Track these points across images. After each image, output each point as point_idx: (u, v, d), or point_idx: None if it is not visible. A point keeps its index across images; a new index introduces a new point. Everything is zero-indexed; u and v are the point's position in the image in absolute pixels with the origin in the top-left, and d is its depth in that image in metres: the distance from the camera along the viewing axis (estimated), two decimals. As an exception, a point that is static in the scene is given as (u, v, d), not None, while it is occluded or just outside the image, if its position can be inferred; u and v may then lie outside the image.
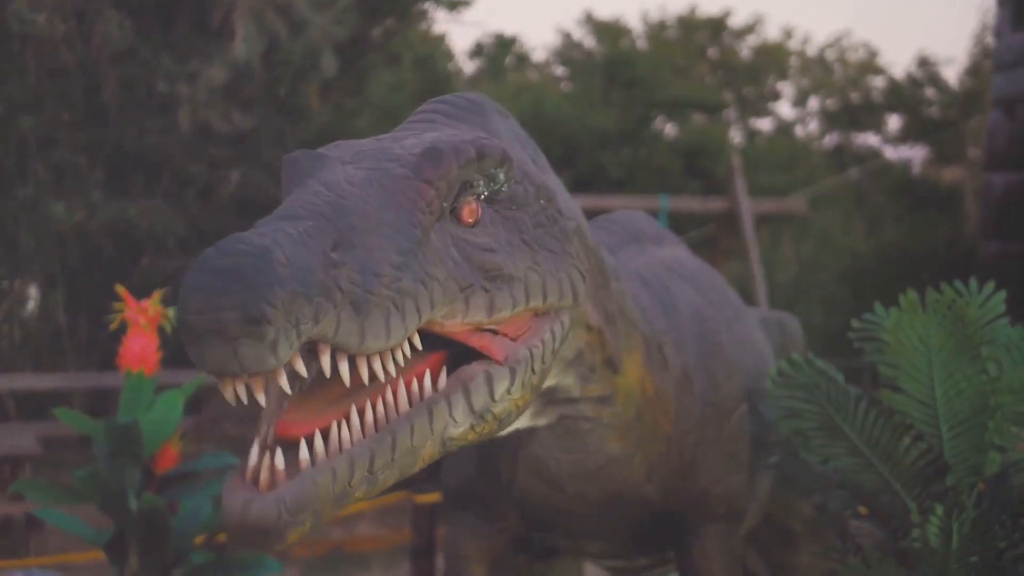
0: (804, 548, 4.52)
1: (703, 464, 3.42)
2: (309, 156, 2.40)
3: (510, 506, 3.52)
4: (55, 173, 12.09)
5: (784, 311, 5.27)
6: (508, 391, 2.42)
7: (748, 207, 11.73)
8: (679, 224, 12.24)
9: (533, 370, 2.48)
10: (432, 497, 5.97)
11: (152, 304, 4.55)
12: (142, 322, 4.51)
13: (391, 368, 2.18)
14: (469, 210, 2.39)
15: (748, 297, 9.66)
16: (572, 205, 2.78)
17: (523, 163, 2.59)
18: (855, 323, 3.64)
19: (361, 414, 2.17)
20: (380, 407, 2.19)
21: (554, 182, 2.79)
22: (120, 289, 4.57)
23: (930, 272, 14.13)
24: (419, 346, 2.24)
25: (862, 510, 3.69)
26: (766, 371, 3.88)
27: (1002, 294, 3.54)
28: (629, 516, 3.41)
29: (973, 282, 3.58)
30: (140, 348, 4.47)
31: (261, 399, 2.04)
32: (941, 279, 3.61)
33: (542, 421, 2.92)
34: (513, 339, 2.46)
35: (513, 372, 2.43)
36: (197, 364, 1.99)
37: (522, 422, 2.84)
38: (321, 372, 2.16)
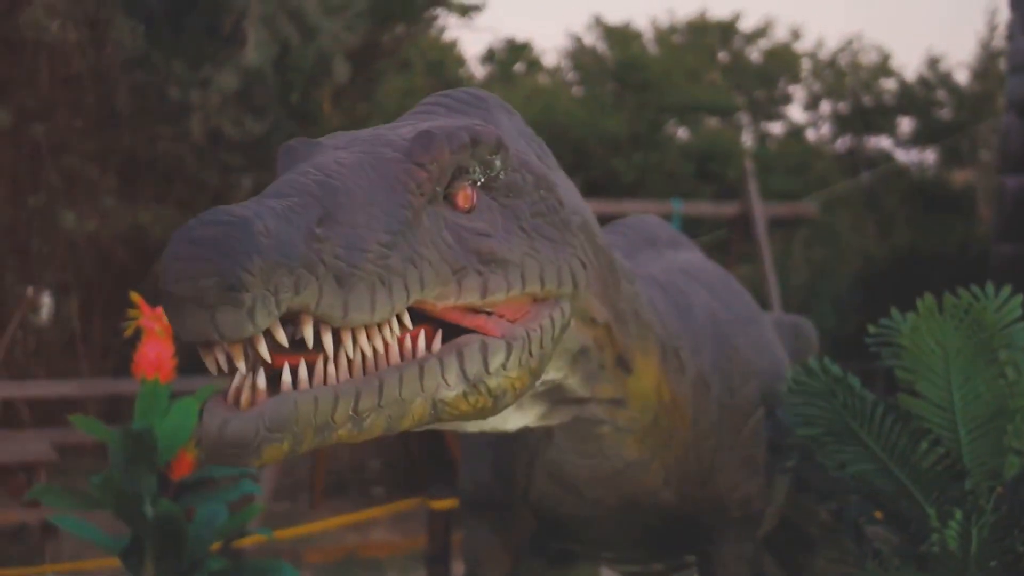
0: (821, 553, 4.51)
1: (720, 469, 3.42)
2: (304, 143, 2.42)
3: (527, 511, 3.52)
4: (67, 180, 12.10)
5: (798, 315, 5.26)
6: (503, 365, 2.40)
7: (761, 211, 11.72)
8: (692, 228, 12.22)
9: (531, 352, 2.47)
10: (447, 503, 5.97)
11: (167, 311, 4.54)
12: (157, 329, 4.51)
13: (378, 344, 2.18)
14: (464, 196, 2.40)
15: (761, 301, 9.64)
16: (579, 202, 2.78)
17: (522, 153, 2.59)
18: (872, 328, 3.63)
19: (350, 362, 2.16)
20: (365, 342, 2.17)
21: (562, 180, 2.79)
22: (135, 296, 4.57)
23: (943, 275, 14.11)
24: (409, 325, 2.24)
25: (878, 515, 3.68)
26: (782, 375, 3.88)
27: (1019, 298, 3.53)
28: (646, 521, 3.41)
29: (990, 286, 3.57)
30: (155, 355, 4.47)
31: (241, 367, 2.03)
32: (954, 282, 3.61)
33: (555, 421, 2.90)
34: (511, 321, 2.45)
35: (509, 347, 2.42)
36: (178, 335, 1.99)
37: (531, 420, 2.82)
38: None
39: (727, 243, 12.61)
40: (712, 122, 21.91)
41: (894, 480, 3.42)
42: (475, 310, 2.38)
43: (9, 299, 12.60)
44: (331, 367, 2.12)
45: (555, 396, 2.84)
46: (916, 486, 3.39)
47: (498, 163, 2.46)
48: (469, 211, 2.41)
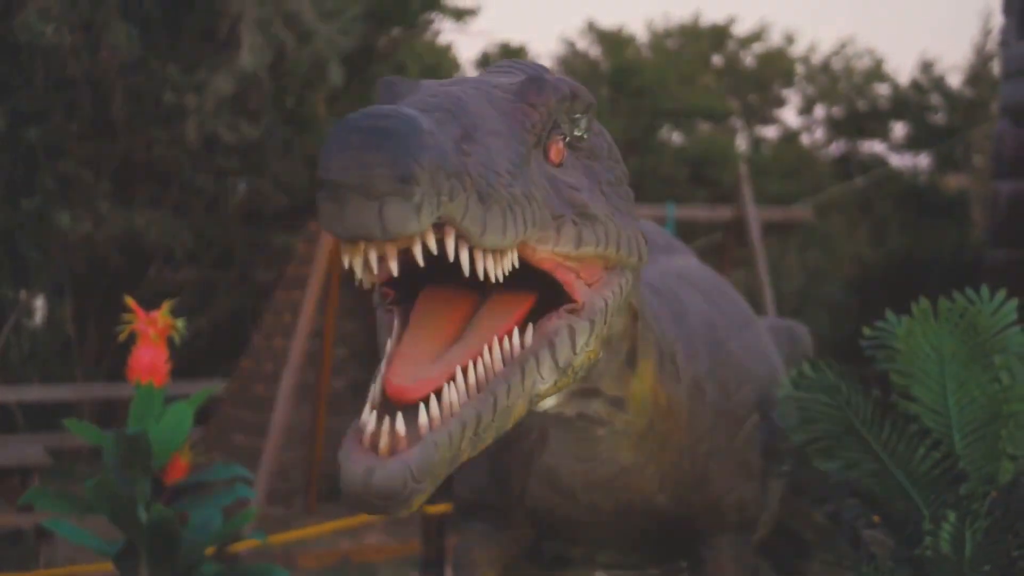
0: (816, 557, 4.51)
1: (715, 474, 3.42)
2: (403, 81, 2.41)
3: (522, 516, 3.51)
4: (62, 184, 12.09)
5: (792, 319, 5.26)
6: (587, 343, 2.42)
7: (755, 215, 11.72)
8: (686, 233, 12.24)
9: (604, 321, 2.48)
10: (441, 508, 5.96)
11: (161, 315, 4.54)
12: (151, 333, 4.50)
13: (500, 274, 2.17)
14: (556, 150, 2.41)
15: (756, 305, 9.65)
16: None
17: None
18: (867, 331, 3.64)
19: (464, 373, 2.15)
20: (480, 366, 2.18)
21: None
22: (129, 300, 4.57)
23: (937, 280, 14.12)
24: (516, 264, 2.23)
25: (875, 519, 3.68)
26: (777, 379, 3.88)
27: (1014, 302, 3.53)
28: (641, 526, 3.40)
29: (985, 289, 3.57)
30: (150, 359, 4.47)
31: (393, 268, 2.02)
32: (948, 287, 3.61)
33: (565, 410, 2.87)
34: (588, 284, 2.46)
35: (592, 324, 2.43)
36: (333, 228, 1.96)
37: (550, 403, 2.81)
38: (413, 323, 2.24)
39: (721, 248, 12.60)
40: (706, 127, 21.93)
41: (893, 482, 3.42)
42: (564, 264, 2.38)
43: (3, 303, 12.60)
44: (453, 392, 2.12)
45: (578, 383, 2.82)
46: (914, 488, 3.39)
47: (584, 123, 2.49)
48: (559, 165, 2.42)
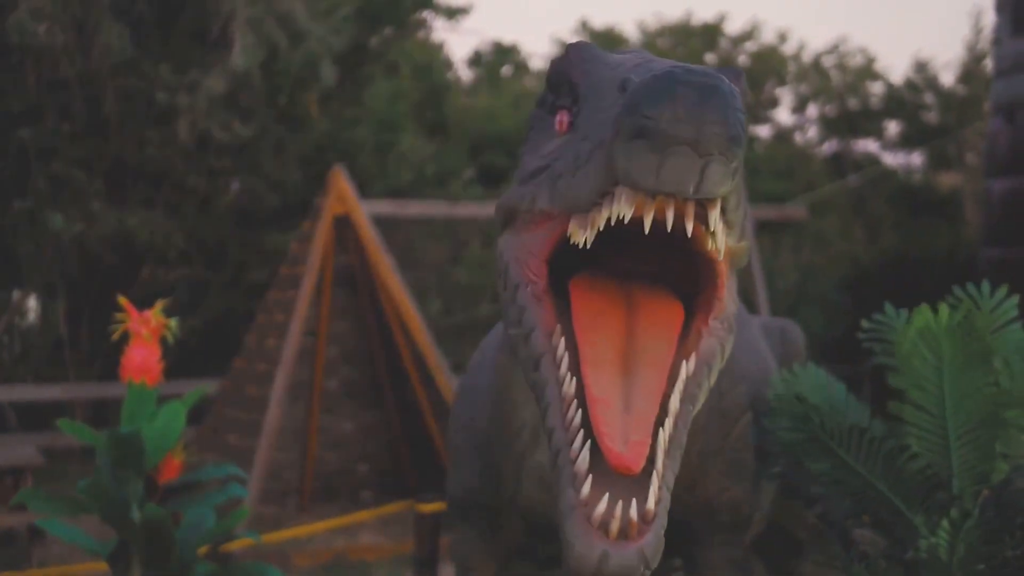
0: (808, 557, 4.51)
1: (708, 473, 3.41)
2: (597, 48, 2.43)
3: (515, 515, 3.51)
4: (54, 184, 12.08)
5: (785, 318, 5.26)
6: (725, 358, 2.42)
7: (748, 214, 11.72)
8: (679, 232, 12.21)
9: (727, 348, 2.46)
10: (435, 506, 5.95)
11: (154, 315, 4.54)
12: (144, 333, 4.50)
13: (724, 252, 2.21)
14: None
15: (749, 304, 9.65)
16: None
17: None
18: (865, 323, 3.63)
19: (658, 424, 2.17)
20: (670, 419, 2.19)
21: None
22: (122, 300, 4.57)
23: (930, 279, 14.12)
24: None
25: (866, 518, 3.68)
26: (770, 379, 3.87)
27: (1014, 299, 3.53)
28: (633, 525, 3.40)
29: (985, 285, 3.57)
30: (142, 359, 4.47)
31: (689, 227, 2.01)
32: (942, 286, 3.61)
33: None
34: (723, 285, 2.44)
35: (731, 334, 2.43)
36: (643, 180, 1.93)
37: None
38: (582, 336, 2.24)
39: (714, 246, 12.59)
40: (700, 125, 21.89)
41: (877, 493, 3.42)
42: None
43: (-4, 303, 12.59)
44: (659, 456, 2.13)
45: None
46: (899, 497, 3.38)
47: None
48: None
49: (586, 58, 2.41)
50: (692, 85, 1.90)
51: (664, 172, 1.90)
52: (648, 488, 2.09)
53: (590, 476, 2.10)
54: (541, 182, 2.33)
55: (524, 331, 2.34)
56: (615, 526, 2.05)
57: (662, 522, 2.09)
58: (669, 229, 2.05)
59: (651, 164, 1.90)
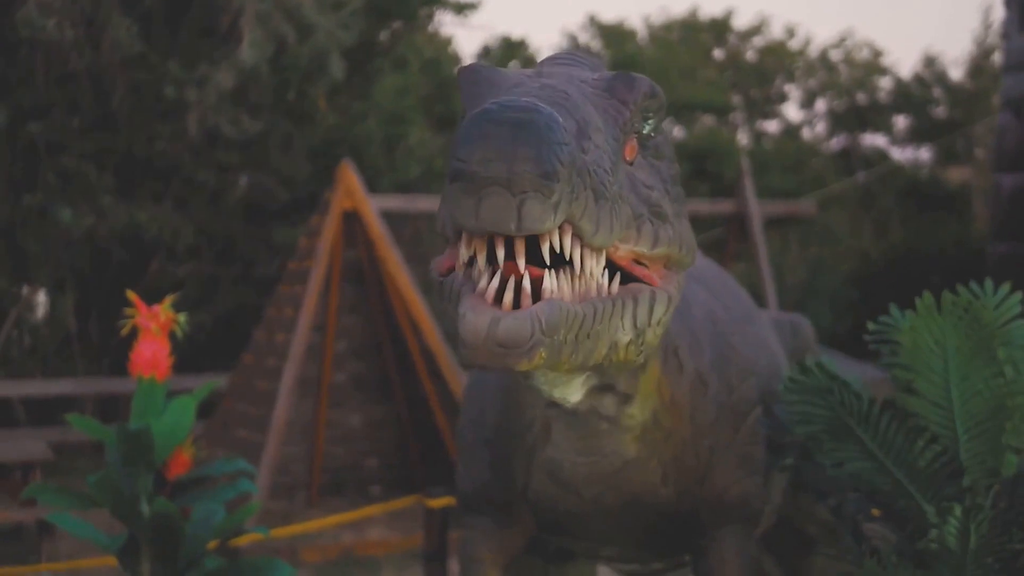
0: (819, 551, 4.51)
1: (718, 467, 3.41)
2: (488, 69, 2.42)
3: (525, 509, 3.51)
4: (64, 179, 12.09)
5: (795, 313, 5.25)
6: (660, 320, 2.44)
7: (757, 210, 11.71)
8: (688, 227, 12.20)
9: (671, 308, 2.49)
10: (444, 501, 5.96)
11: (163, 309, 4.54)
12: (153, 327, 4.49)
13: (598, 273, 2.19)
14: (631, 147, 2.41)
15: (757, 299, 9.65)
16: None
17: None
18: (871, 325, 3.63)
19: (570, 281, 2.16)
20: (582, 282, 2.17)
21: None
22: (131, 294, 4.56)
23: (938, 274, 14.12)
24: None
25: (876, 512, 3.67)
26: (779, 373, 3.87)
27: (1018, 295, 3.52)
28: (644, 519, 3.40)
29: (988, 283, 3.57)
30: (152, 353, 4.46)
31: (521, 264, 2.02)
32: (949, 281, 3.60)
33: (582, 405, 2.87)
34: (658, 275, 2.47)
35: (669, 300, 2.45)
36: (464, 221, 1.96)
37: (576, 397, 2.81)
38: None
39: (723, 242, 12.59)
40: (708, 120, 21.91)
41: (891, 478, 3.42)
42: (638, 261, 2.39)
43: (5, 298, 12.59)
44: (564, 285, 2.12)
45: (597, 377, 2.83)
46: (913, 484, 3.38)
47: (654, 122, 2.47)
48: (631, 163, 2.41)
49: (470, 81, 2.44)
50: (503, 123, 1.91)
51: (482, 213, 1.92)
52: (549, 279, 2.09)
53: (488, 272, 2.09)
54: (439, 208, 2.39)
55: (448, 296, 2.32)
56: (508, 296, 2.05)
57: (564, 309, 2.07)
58: (500, 266, 2.08)
59: (470, 206, 1.93)
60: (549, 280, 2.07)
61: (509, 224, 1.92)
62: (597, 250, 2.16)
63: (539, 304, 2.04)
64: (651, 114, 2.46)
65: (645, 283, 2.41)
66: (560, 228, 2.03)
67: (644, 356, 2.50)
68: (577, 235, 2.07)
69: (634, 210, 2.31)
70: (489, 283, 2.07)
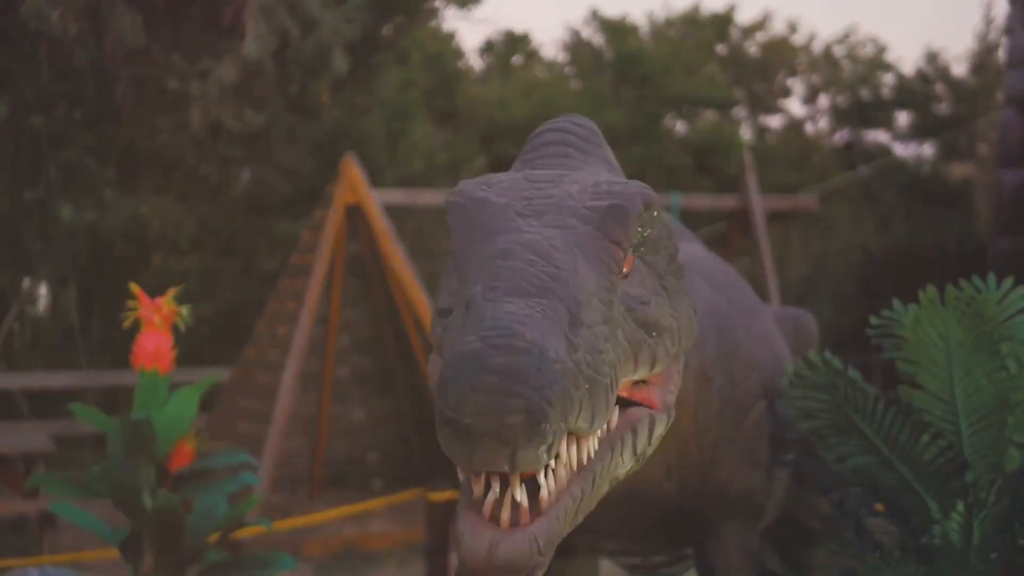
0: (822, 546, 4.50)
1: (722, 462, 3.41)
2: (474, 202, 2.39)
3: (526, 503, 3.50)
4: (66, 173, 12.09)
5: (798, 308, 5.25)
6: (661, 434, 2.46)
7: (759, 204, 11.71)
8: (690, 221, 12.19)
9: (670, 421, 2.52)
10: (446, 495, 5.96)
11: (166, 302, 4.54)
12: (156, 320, 4.50)
13: (595, 443, 2.18)
14: (628, 262, 2.39)
15: (760, 294, 9.64)
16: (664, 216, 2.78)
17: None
18: (874, 320, 3.62)
19: (568, 449, 2.13)
20: (582, 446, 2.16)
21: None
22: (134, 287, 4.57)
23: (941, 270, 14.10)
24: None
25: (879, 507, 3.67)
26: (783, 368, 3.86)
27: (1021, 290, 3.52)
28: (647, 514, 3.39)
29: (991, 278, 3.56)
30: (154, 346, 4.46)
31: (519, 495, 2.01)
32: (952, 277, 3.60)
33: None
34: (657, 386, 2.48)
35: (668, 416, 2.47)
36: (459, 462, 1.97)
37: None
38: None
39: (726, 236, 12.59)
40: (711, 115, 21.90)
41: (895, 473, 3.42)
42: (636, 383, 2.40)
43: (7, 291, 12.60)
44: (561, 469, 2.10)
45: None
46: (917, 480, 3.38)
47: (650, 222, 2.46)
48: (627, 275, 2.40)
49: (459, 219, 2.40)
50: (492, 371, 1.90)
51: (475, 459, 1.93)
52: (545, 484, 2.06)
53: (484, 474, 2.05)
54: (441, 341, 2.36)
55: None
56: (506, 515, 2.02)
57: (560, 516, 2.05)
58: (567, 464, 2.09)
59: (463, 451, 1.93)
60: (545, 487, 2.04)
61: (503, 467, 1.93)
62: (584, 434, 2.13)
63: (537, 523, 2.02)
64: (646, 223, 2.45)
65: (644, 406, 2.41)
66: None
67: (645, 459, 2.50)
68: (575, 433, 2.06)
69: (632, 341, 2.30)
70: (486, 494, 2.05)
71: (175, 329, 4.56)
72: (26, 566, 4.52)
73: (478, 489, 2.03)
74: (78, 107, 12.32)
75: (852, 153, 21.20)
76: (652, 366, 2.37)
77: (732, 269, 4.07)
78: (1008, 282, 3.56)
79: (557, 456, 2.08)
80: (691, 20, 23.63)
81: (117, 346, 12.36)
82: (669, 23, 23.72)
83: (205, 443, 5.08)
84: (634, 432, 2.35)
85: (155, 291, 4.71)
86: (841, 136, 22.38)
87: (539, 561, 2.01)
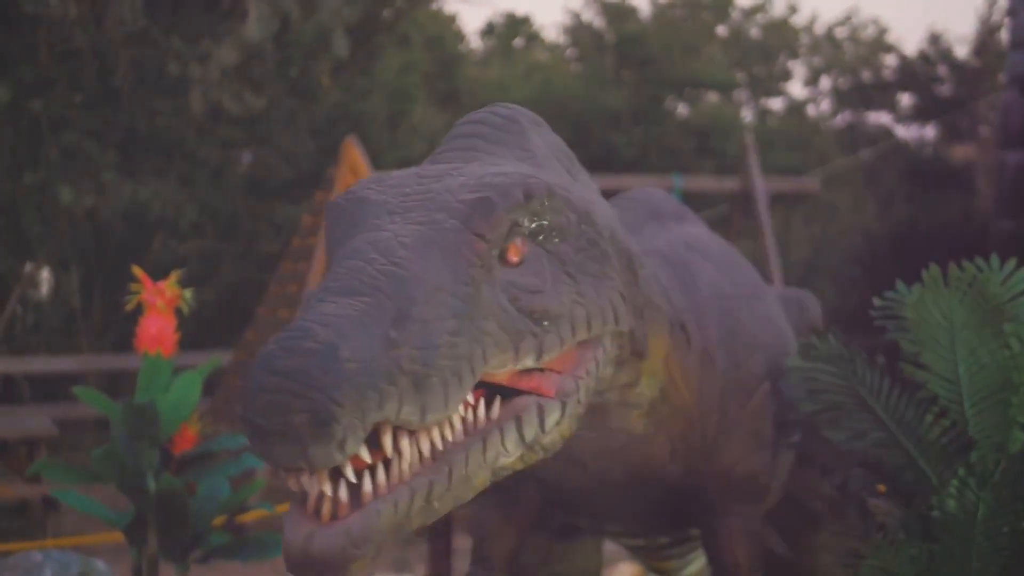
0: (825, 527, 4.50)
1: (726, 443, 3.41)
2: (352, 202, 2.39)
3: (532, 485, 3.51)
4: (66, 156, 12.08)
5: (801, 289, 5.24)
6: (557, 423, 2.41)
7: (762, 186, 11.69)
8: (692, 204, 12.17)
9: (579, 400, 2.48)
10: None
11: (169, 285, 4.54)
12: (159, 303, 4.50)
13: (448, 433, 2.17)
14: (514, 250, 2.37)
15: (762, 276, 9.64)
16: (606, 210, 2.76)
17: (565, 189, 2.55)
18: (877, 300, 3.62)
19: (419, 441, 2.13)
20: (436, 435, 2.16)
21: (585, 182, 2.79)
22: (136, 270, 4.56)
23: (943, 251, 14.08)
24: (471, 401, 2.24)
25: (881, 488, 3.67)
26: (786, 349, 3.86)
27: (1023, 271, 3.52)
28: (651, 495, 3.40)
29: (994, 258, 3.56)
30: (157, 329, 4.47)
31: (327, 489, 2.02)
32: (954, 258, 3.59)
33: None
34: (559, 372, 2.45)
35: (564, 404, 2.43)
36: (262, 457, 2.00)
37: None
38: None
39: (728, 218, 12.58)
40: (712, 97, 21.87)
41: (901, 451, 3.41)
42: (529, 370, 2.38)
43: (8, 275, 12.60)
44: (404, 463, 2.11)
45: None
46: (923, 458, 3.38)
47: (542, 210, 2.44)
48: (519, 264, 2.38)
49: (333, 222, 2.43)
50: (277, 372, 1.93)
51: (272, 457, 1.97)
52: (368, 479, 2.07)
53: (316, 477, 2.06)
54: None
55: None
56: (325, 509, 2.04)
57: (383, 510, 2.05)
58: (389, 454, 2.08)
59: (262, 449, 1.98)
60: (367, 482, 2.05)
61: (300, 464, 1.95)
62: (439, 423, 2.14)
63: (353, 517, 2.03)
64: (539, 207, 2.41)
65: (534, 394, 2.38)
66: (380, 426, 2.02)
67: (556, 448, 2.47)
68: (404, 427, 2.06)
69: (510, 331, 2.28)
70: (312, 489, 2.06)
71: (178, 312, 4.56)
72: (30, 551, 4.53)
73: (293, 484, 2.04)
74: (78, 90, 12.30)
75: (854, 135, 21.18)
76: (539, 355, 2.34)
77: (735, 250, 4.07)
78: (1012, 262, 3.55)
79: (397, 449, 2.09)
80: (692, 2, 23.57)
81: (119, 330, 12.37)
82: (670, 5, 23.67)
83: (208, 427, 5.09)
84: (519, 421, 2.32)
85: (156, 274, 4.71)
86: (843, 118, 22.36)
87: (352, 554, 2.01)
